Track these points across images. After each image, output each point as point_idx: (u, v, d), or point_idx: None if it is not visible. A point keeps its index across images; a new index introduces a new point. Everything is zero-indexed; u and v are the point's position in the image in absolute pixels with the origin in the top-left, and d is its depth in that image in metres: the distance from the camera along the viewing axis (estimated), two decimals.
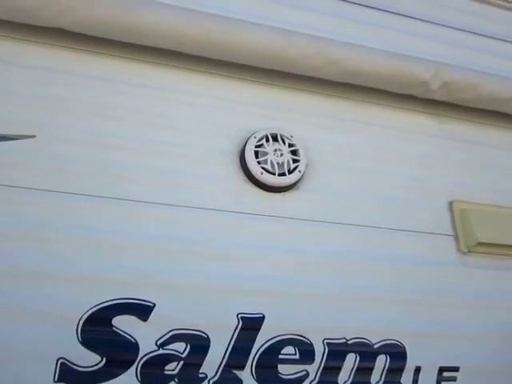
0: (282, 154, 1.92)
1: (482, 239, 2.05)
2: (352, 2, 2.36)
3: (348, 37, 2.17)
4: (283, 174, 1.89)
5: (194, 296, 1.65)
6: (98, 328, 1.51)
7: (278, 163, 1.90)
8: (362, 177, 2.09)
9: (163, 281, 1.64)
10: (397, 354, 1.78)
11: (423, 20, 2.45)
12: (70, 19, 1.77)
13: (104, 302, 1.53)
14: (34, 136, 1.64)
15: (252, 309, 1.69)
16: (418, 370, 1.79)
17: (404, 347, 1.80)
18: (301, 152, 1.96)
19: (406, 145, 2.26)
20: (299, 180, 1.94)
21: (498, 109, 2.38)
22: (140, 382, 1.49)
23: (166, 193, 1.76)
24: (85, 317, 1.50)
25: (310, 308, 1.75)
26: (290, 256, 1.81)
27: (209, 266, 1.71)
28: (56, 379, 1.43)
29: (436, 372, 1.81)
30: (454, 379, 1.82)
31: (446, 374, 1.82)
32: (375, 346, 1.77)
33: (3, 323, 1.45)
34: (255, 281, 1.74)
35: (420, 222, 2.10)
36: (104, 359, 1.48)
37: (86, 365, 1.47)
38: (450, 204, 2.18)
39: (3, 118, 1.65)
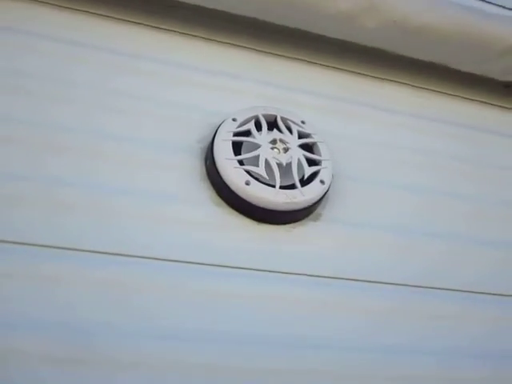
0: (286, 149, 0.99)
1: None
2: None
3: None
4: (291, 187, 0.95)
5: None
6: None
7: (279, 164, 0.96)
8: (427, 201, 1.15)
9: None
10: None
11: None
12: None
13: None
14: None
15: None
16: None
17: None
18: (322, 148, 1.03)
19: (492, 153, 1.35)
20: (322, 199, 0.99)
21: None
22: None
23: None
24: None
25: None
26: None
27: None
28: None
29: None
30: None
31: None
32: None
33: None
34: None
35: None
36: None
37: None
38: None
39: None
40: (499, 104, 1.48)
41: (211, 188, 0.97)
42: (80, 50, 1.06)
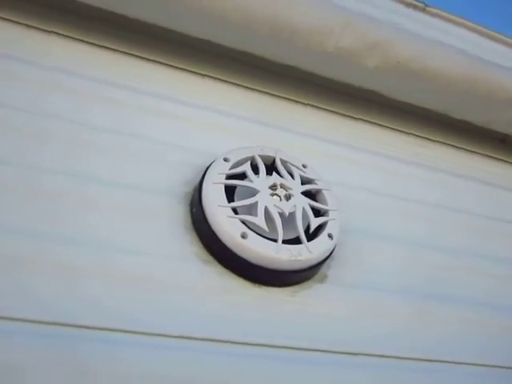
0: (289, 196, 0.83)
1: None
2: None
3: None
4: (296, 241, 0.79)
5: None
6: None
7: (281, 214, 0.80)
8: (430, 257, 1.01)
9: None
10: None
11: None
12: None
13: None
14: None
15: None
16: None
17: None
18: (328, 197, 0.87)
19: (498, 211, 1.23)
20: (329, 256, 0.83)
21: None
22: None
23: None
24: None
25: None
26: None
27: None
28: None
29: None
30: None
31: None
32: None
33: None
34: None
35: None
36: None
37: None
38: None
39: None
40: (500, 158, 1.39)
41: (198, 241, 0.79)
42: (56, 76, 0.90)
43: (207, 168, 0.84)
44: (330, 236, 0.82)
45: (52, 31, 0.94)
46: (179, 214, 0.82)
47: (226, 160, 0.84)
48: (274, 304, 0.78)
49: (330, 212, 0.85)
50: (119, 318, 0.68)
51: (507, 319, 1.00)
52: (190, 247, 0.79)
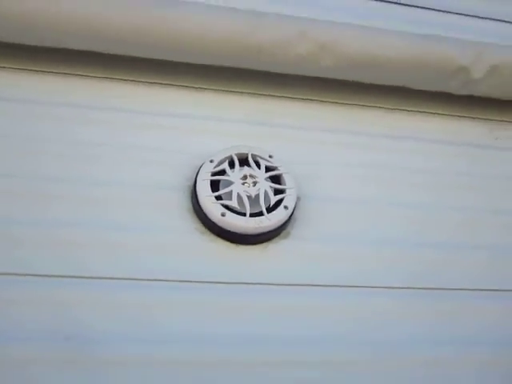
0: (255, 183, 1.22)
1: None
2: None
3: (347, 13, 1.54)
4: (259, 214, 1.18)
5: None
6: None
7: (249, 196, 1.19)
8: (380, 214, 1.36)
9: None
10: None
11: None
12: None
13: None
14: None
15: None
16: None
17: None
18: (287, 178, 1.25)
19: (439, 164, 1.54)
20: (287, 222, 1.22)
21: None
22: None
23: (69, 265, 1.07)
24: None
25: None
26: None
27: None
28: None
29: None
30: None
31: None
32: None
33: None
34: None
35: None
36: None
37: None
38: None
39: None
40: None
41: (197, 220, 1.20)
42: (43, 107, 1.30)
43: (199, 168, 1.24)
44: (286, 207, 1.20)
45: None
46: (184, 202, 1.23)
47: (211, 161, 1.24)
48: (250, 255, 1.18)
49: (287, 190, 1.23)
50: (147, 269, 1.11)
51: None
52: (191, 224, 1.20)
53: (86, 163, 1.23)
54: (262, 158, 1.27)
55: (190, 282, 1.13)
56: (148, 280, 1.12)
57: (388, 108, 1.60)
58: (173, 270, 1.13)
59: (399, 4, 1.67)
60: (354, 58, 1.46)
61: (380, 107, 1.60)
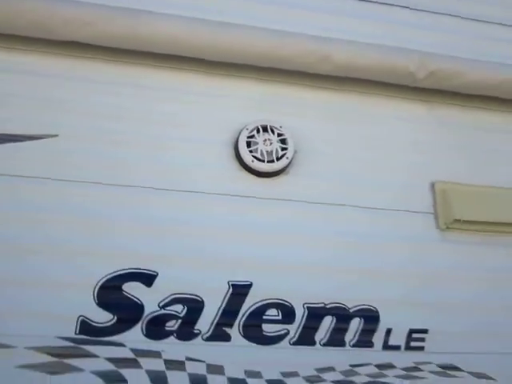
0: (271, 143, 2.18)
1: (458, 216, 2.24)
2: None
3: (337, 30, 2.38)
4: (272, 161, 2.16)
5: (191, 266, 1.96)
6: (111, 292, 1.84)
7: (267, 151, 2.16)
8: (349, 162, 2.32)
9: (165, 254, 1.95)
10: (370, 317, 2.03)
11: (409, 8, 2.60)
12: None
13: (116, 272, 1.87)
14: (56, 135, 1.98)
15: (242, 277, 1.98)
16: (389, 331, 2.03)
17: (377, 312, 2.05)
18: (289, 141, 2.21)
19: (395, 131, 2.47)
20: (287, 166, 2.19)
21: (484, 93, 2.53)
22: (145, 335, 1.83)
23: (169, 180, 2.06)
24: (100, 283, 1.84)
25: (293, 278, 2.03)
26: (277, 233, 2.09)
27: (206, 241, 2.02)
28: (77, 332, 1.78)
29: (406, 333, 2.05)
30: (422, 340, 2.06)
31: (415, 335, 2.06)
32: (351, 310, 2.03)
33: (39, 291, 1.80)
34: (246, 254, 2.03)
35: (404, 201, 2.31)
36: (115, 317, 1.82)
37: (100, 321, 1.81)
38: (433, 185, 2.36)
39: (21, 120, 2.00)
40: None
41: (239, 164, 2.18)
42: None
43: (240, 132, 2.20)
44: (287, 158, 2.17)
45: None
46: (232, 153, 2.20)
47: (247, 129, 2.19)
48: (266, 183, 2.17)
49: (288, 147, 2.19)
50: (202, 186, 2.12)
51: None
52: (236, 166, 2.17)
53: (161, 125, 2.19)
54: (275, 127, 2.22)
55: (232, 195, 2.13)
56: (204, 193, 2.10)
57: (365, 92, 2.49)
58: (222, 188, 2.13)
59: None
60: (342, 65, 2.34)
61: (357, 91, 2.49)
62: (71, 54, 2.15)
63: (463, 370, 2.08)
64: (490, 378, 2.10)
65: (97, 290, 1.84)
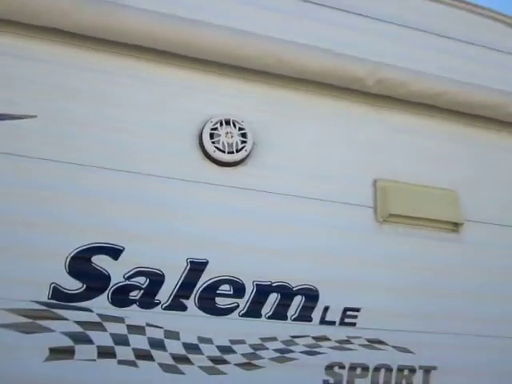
0: (232, 136, 2.42)
1: (393, 211, 2.55)
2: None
3: (292, 33, 2.60)
4: (232, 153, 2.39)
5: (154, 244, 2.19)
6: (81, 263, 2.06)
7: (228, 143, 2.40)
8: (301, 156, 2.58)
9: (132, 231, 2.17)
10: (311, 296, 2.32)
11: (368, 16, 2.84)
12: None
13: (86, 245, 2.08)
14: (34, 116, 2.15)
15: (199, 255, 2.22)
16: (326, 308, 2.33)
17: (317, 291, 2.34)
18: (249, 135, 2.45)
19: (346, 131, 2.73)
20: (246, 157, 2.43)
21: (427, 102, 2.83)
22: (110, 303, 2.06)
23: (134, 163, 2.27)
24: (72, 254, 2.05)
25: (244, 258, 2.29)
26: (232, 217, 2.34)
27: (169, 222, 2.24)
28: (49, 297, 1.99)
29: (341, 311, 2.35)
30: (355, 317, 2.37)
31: (349, 313, 2.36)
32: (294, 289, 2.31)
33: (17, 259, 2.00)
34: (204, 235, 2.27)
35: (348, 195, 2.60)
36: (84, 285, 2.04)
37: (71, 289, 2.02)
38: (375, 181, 2.66)
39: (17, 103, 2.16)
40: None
41: (201, 152, 2.40)
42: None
43: (204, 124, 2.42)
44: (246, 150, 2.42)
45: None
46: (196, 144, 2.42)
47: (211, 121, 2.42)
48: (227, 171, 2.40)
49: (248, 141, 2.43)
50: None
51: None
52: (200, 156, 2.40)
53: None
54: (237, 122, 2.45)
55: (196, 182, 2.36)
56: (168, 178, 2.32)
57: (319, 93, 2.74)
58: (185, 174, 2.35)
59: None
60: (297, 68, 2.58)
61: (312, 91, 2.74)
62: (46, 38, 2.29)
63: (388, 344, 2.41)
64: (410, 352, 2.44)
65: (68, 260, 2.04)
